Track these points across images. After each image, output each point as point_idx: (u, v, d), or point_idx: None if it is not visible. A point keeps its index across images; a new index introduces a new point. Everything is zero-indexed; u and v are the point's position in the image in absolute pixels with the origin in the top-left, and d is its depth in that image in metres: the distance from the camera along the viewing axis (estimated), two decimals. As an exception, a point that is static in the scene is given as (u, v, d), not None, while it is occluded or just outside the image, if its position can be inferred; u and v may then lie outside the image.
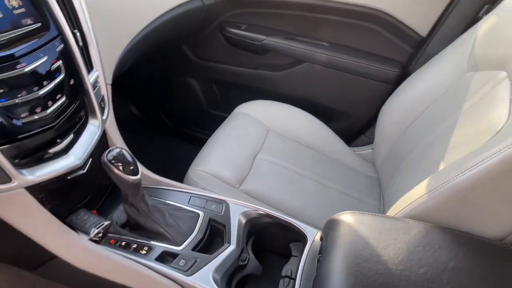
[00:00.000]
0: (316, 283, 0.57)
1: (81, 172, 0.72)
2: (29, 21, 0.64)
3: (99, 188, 0.81)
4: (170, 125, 1.64)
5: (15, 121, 0.60)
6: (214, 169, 1.00)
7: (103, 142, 0.81)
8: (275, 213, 0.78)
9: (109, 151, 0.67)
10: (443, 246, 0.59)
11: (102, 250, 0.67)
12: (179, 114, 1.63)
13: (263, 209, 0.78)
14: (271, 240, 0.80)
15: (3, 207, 0.60)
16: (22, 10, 0.63)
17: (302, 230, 0.76)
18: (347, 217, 0.65)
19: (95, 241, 0.69)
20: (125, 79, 1.53)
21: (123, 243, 0.70)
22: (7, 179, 0.60)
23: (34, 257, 0.69)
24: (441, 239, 0.60)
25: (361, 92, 1.29)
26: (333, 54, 1.25)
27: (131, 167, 0.67)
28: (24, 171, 0.63)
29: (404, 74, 1.20)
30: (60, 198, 0.71)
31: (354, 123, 1.37)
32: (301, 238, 0.76)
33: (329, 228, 0.66)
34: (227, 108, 1.28)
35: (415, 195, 0.69)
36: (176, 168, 1.07)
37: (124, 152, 0.68)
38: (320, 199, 1.04)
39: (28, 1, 0.64)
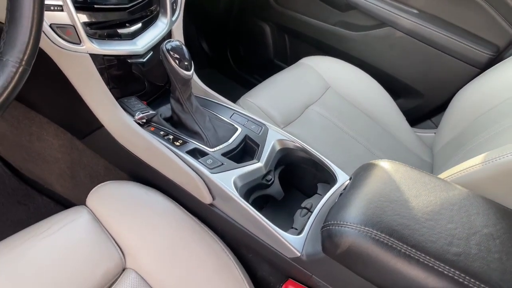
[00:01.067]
0: (332, 210, 0.55)
1: (141, 60, 0.76)
2: None
3: (154, 86, 0.85)
4: (234, 68, 1.66)
5: (95, -10, 0.65)
6: (263, 104, 0.99)
7: (166, 42, 0.85)
8: (311, 149, 0.76)
9: (169, 41, 0.69)
10: (482, 213, 0.53)
11: (141, 131, 0.71)
12: (244, 58, 1.63)
13: (300, 142, 0.76)
14: (300, 176, 0.78)
15: (69, 65, 0.66)
16: None
17: (334, 172, 0.73)
18: (384, 163, 0.61)
19: (138, 124, 0.73)
20: (202, 13, 1.57)
21: (161, 132, 0.73)
22: (78, 41, 0.65)
23: (85, 124, 0.75)
24: (482, 207, 0.54)
25: (441, 71, 1.18)
26: (421, 23, 1.15)
27: (186, 63, 0.69)
28: (93, 40, 0.68)
29: (496, 60, 1.08)
30: (118, 82, 0.76)
31: (423, 105, 1.27)
32: (330, 181, 0.74)
33: (362, 168, 0.63)
34: (293, 61, 1.26)
35: (467, 165, 0.63)
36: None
37: (184, 47, 0.70)
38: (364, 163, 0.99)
39: None
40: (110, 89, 0.74)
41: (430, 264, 0.46)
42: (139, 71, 0.78)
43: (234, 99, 1.03)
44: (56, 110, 0.84)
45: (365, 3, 1.22)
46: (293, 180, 0.79)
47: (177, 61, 0.68)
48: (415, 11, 1.19)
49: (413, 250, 0.47)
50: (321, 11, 1.33)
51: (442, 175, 0.67)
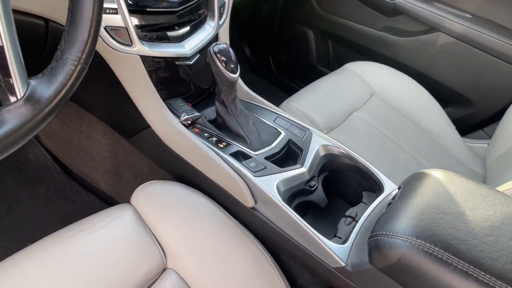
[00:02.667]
0: (380, 220, 0.53)
1: (188, 62, 0.78)
2: None
3: (199, 89, 0.86)
4: (276, 73, 1.66)
5: (149, -7, 0.67)
6: (306, 109, 0.98)
7: (213, 46, 0.86)
8: (356, 156, 0.73)
9: (217, 44, 0.70)
10: (551, 232, 0.49)
11: (186, 132, 0.72)
12: (286, 63, 1.63)
13: (345, 149, 0.74)
14: (344, 183, 0.76)
15: (121, 65, 0.69)
16: None
17: (380, 180, 0.70)
18: (437, 172, 0.58)
19: (183, 125, 0.75)
20: (245, 19, 1.59)
21: (206, 134, 0.74)
22: (130, 42, 0.67)
23: (133, 124, 0.78)
24: (551, 225, 0.50)
25: (495, 78, 1.11)
26: (474, 27, 1.09)
27: (232, 65, 0.69)
28: (143, 42, 0.70)
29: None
30: (165, 84, 0.77)
31: (475, 114, 1.20)
32: (376, 189, 0.71)
33: (413, 178, 0.59)
34: (337, 67, 1.23)
35: (531, 178, 0.58)
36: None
37: (230, 50, 0.70)
38: (411, 173, 0.95)
39: None
40: (157, 90, 0.76)
41: (491, 283, 0.43)
42: (186, 74, 0.80)
43: (275, 104, 1.03)
44: (105, 109, 0.88)
45: (414, 8, 1.18)
46: (337, 187, 0.77)
47: (223, 64, 0.68)
48: (467, 15, 1.13)
49: (471, 267, 0.44)
50: (367, 16, 1.30)
51: (500, 188, 0.63)
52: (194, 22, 0.79)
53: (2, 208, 1.10)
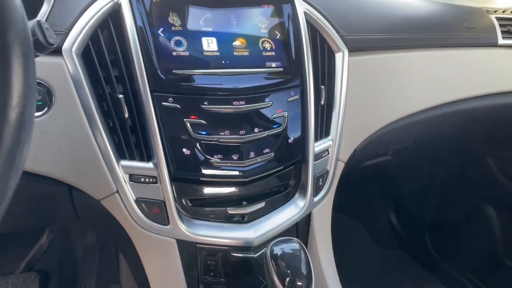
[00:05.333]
0: None
1: (251, 255, 0.53)
2: (273, 64, 0.56)
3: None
4: (435, 257, 1.20)
5: (204, 159, 0.50)
6: None
7: (301, 232, 0.59)
8: None
9: (282, 242, 0.44)
10: None
11: None
12: (452, 248, 1.18)
13: None
14: None
15: (148, 248, 0.52)
16: (272, 53, 0.56)
17: None
18: None
19: None
20: (394, 178, 1.27)
21: None
22: (164, 221, 0.50)
23: None
24: None
25: None
26: None
27: (300, 283, 0.41)
28: (186, 219, 0.51)
29: None
30: (215, 276, 0.55)
31: None
32: None
33: None
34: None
35: None
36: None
37: (303, 253, 0.43)
38: None
39: (281, 47, 0.56)
40: (207, 283, 0.54)
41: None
42: (249, 266, 0.55)
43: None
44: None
45: None
46: None
47: (282, 278, 0.41)
48: None
49: None
50: None
51: None
52: (274, 197, 0.56)
53: None
